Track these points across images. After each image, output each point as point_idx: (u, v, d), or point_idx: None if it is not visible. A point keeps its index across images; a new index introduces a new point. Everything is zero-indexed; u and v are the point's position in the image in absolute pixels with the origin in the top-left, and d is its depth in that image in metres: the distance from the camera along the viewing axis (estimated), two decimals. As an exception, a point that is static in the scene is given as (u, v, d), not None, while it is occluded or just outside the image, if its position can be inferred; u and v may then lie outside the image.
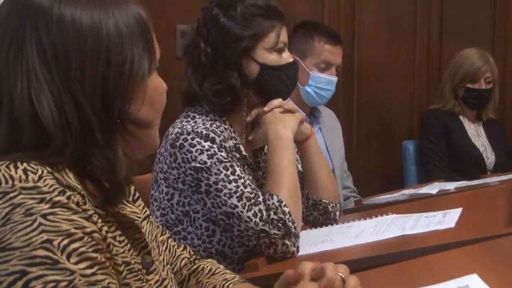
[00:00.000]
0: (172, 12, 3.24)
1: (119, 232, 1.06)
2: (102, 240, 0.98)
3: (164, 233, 1.38)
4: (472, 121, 3.49)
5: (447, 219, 1.68)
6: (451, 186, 2.39)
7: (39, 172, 0.94)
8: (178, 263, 1.40)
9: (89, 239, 0.94)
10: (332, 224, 1.97)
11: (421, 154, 3.52)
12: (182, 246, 1.45)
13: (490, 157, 3.41)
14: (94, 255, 0.93)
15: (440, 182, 2.64)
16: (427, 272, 1.27)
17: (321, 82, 2.83)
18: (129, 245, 1.08)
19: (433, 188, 2.36)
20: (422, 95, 3.91)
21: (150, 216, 1.27)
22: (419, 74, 3.91)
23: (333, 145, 2.99)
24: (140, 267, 1.10)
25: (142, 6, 1.11)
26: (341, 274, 1.08)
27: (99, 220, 1.00)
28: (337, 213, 2.04)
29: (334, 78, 2.86)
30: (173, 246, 1.41)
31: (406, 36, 3.87)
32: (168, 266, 1.31)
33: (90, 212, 0.97)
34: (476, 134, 3.46)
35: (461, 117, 3.45)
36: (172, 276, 1.26)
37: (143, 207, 1.26)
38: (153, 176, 1.86)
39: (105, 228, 1.01)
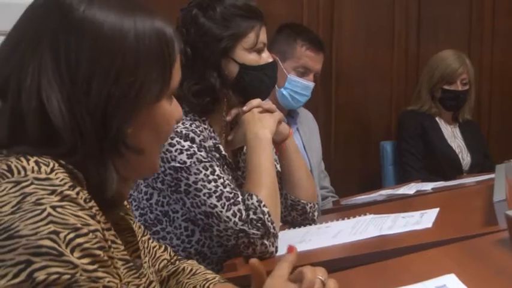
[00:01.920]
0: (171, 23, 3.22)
1: (115, 233, 1.06)
2: (104, 239, 0.98)
3: (145, 234, 1.37)
4: (449, 122, 3.52)
5: (424, 219, 1.70)
6: (428, 186, 2.40)
7: (51, 165, 0.94)
8: (157, 264, 1.40)
9: (93, 236, 0.93)
10: (310, 224, 1.98)
11: (398, 155, 3.54)
12: (163, 247, 1.44)
13: (465, 158, 3.45)
14: (97, 252, 0.93)
15: (417, 182, 2.66)
16: (405, 271, 1.29)
17: (297, 86, 2.84)
18: (123, 247, 1.08)
19: (410, 189, 2.38)
20: (399, 96, 3.93)
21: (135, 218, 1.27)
22: (397, 74, 3.93)
23: (310, 145, 3.01)
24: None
25: (169, 24, 1.09)
26: (320, 277, 1.09)
27: (102, 219, 1.00)
28: (316, 213, 2.05)
29: (311, 84, 2.87)
30: (153, 247, 1.40)
31: (384, 37, 3.89)
32: (152, 268, 1.31)
33: (94, 210, 0.97)
34: (453, 135, 3.49)
35: (437, 119, 3.48)
36: (157, 278, 1.26)
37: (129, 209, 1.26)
38: (131, 176, 1.85)
39: (106, 226, 1.02)
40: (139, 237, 1.24)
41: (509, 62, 4.17)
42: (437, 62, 3.43)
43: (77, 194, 0.94)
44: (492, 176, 2.04)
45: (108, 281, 0.93)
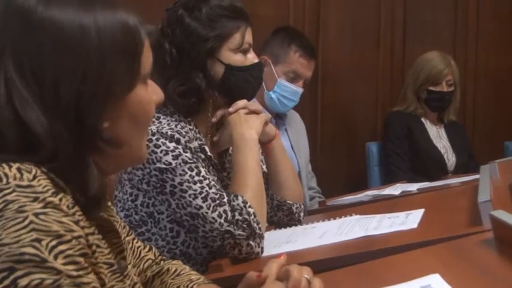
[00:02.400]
0: (137, 13, 3.21)
1: (100, 236, 1.05)
2: (87, 246, 0.97)
3: (130, 234, 1.37)
4: (434, 123, 3.54)
5: (410, 219, 1.70)
6: (413, 187, 2.41)
7: (34, 172, 0.94)
8: (142, 264, 1.39)
9: (76, 243, 0.93)
10: (296, 225, 1.98)
11: (384, 156, 3.55)
12: (147, 247, 1.44)
13: (451, 159, 3.46)
14: (79, 259, 0.92)
15: (402, 183, 2.67)
16: (390, 272, 1.29)
17: (286, 91, 2.85)
18: (108, 249, 1.07)
19: (396, 189, 2.38)
20: (385, 97, 3.95)
21: (119, 219, 1.26)
22: (382, 76, 3.95)
23: (298, 146, 3.01)
24: (118, 271, 1.09)
25: (132, 12, 1.07)
26: (306, 276, 1.09)
27: (86, 223, 1.00)
28: (302, 214, 2.05)
29: (300, 90, 2.89)
30: (138, 247, 1.40)
31: (370, 39, 3.90)
32: (134, 269, 1.31)
33: (78, 216, 0.97)
34: (438, 136, 3.51)
35: (423, 120, 3.49)
36: (139, 279, 1.26)
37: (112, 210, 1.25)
38: (116, 177, 1.85)
39: (90, 231, 1.01)
40: (124, 237, 1.23)
41: (493, 64, 4.19)
42: (423, 64, 3.45)
43: (60, 200, 0.93)
44: (477, 176, 2.05)
45: (93, 287, 0.93)
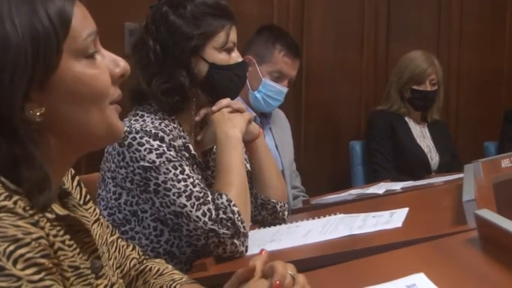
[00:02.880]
0: (120, 10, 3.19)
1: (67, 236, 1.03)
2: (49, 246, 0.95)
3: (114, 233, 1.35)
4: (417, 122, 3.55)
5: (394, 218, 1.70)
6: (397, 186, 2.42)
7: None
8: (128, 263, 1.38)
9: (36, 245, 0.90)
10: (280, 224, 1.98)
11: (367, 155, 3.55)
12: (131, 246, 1.42)
13: (434, 158, 3.47)
14: (41, 260, 0.90)
15: (386, 182, 2.68)
16: (375, 271, 1.29)
17: (271, 90, 2.84)
18: (78, 249, 1.05)
19: (380, 188, 2.39)
20: (369, 96, 3.96)
21: (101, 218, 1.25)
22: (366, 75, 3.96)
23: (283, 145, 3.01)
24: (89, 271, 1.07)
25: None
26: (290, 272, 1.09)
27: (47, 225, 0.97)
28: (286, 212, 2.05)
29: (285, 89, 2.88)
30: (122, 246, 1.38)
31: (354, 38, 3.91)
32: (118, 270, 1.29)
33: (37, 217, 0.94)
34: (421, 135, 3.52)
35: (406, 119, 3.51)
36: (121, 281, 1.24)
37: (94, 209, 1.23)
38: (100, 175, 1.83)
39: (53, 232, 0.98)
40: (105, 238, 1.21)
41: (476, 64, 4.22)
42: (407, 63, 3.46)
43: (15, 203, 0.91)
44: (460, 175, 2.06)
45: None
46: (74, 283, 1.01)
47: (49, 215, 0.99)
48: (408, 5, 4.03)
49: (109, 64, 1.05)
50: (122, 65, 1.07)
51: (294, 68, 2.92)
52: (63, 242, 1.01)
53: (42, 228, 0.95)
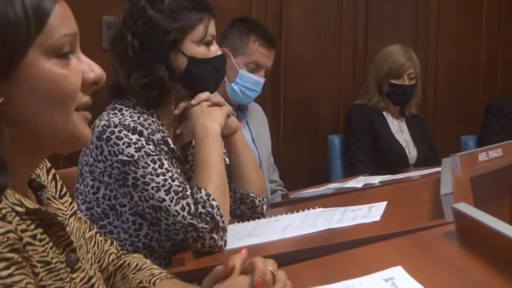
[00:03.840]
0: (98, 4, 3.17)
1: (40, 230, 1.01)
2: (18, 239, 0.93)
3: (92, 228, 1.34)
4: (396, 117, 3.57)
5: (373, 212, 1.71)
6: (375, 180, 2.43)
7: None
8: (107, 258, 1.37)
9: (5, 239, 0.89)
10: (259, 218, 1.98)
11: (346, 149, 3.56)
12: (109, 241, 1.41)
13: (412, 152, 3.49)
14: (10, 255, 0.89)
15: (365, 176, 2.69)
16: (354, 264, 1.30)
17: (248, 82, 2.83)
18: (51, 243, 1.04)
19: (358, 182, 2.40)
20: (347, 90, 3.97)
21: (78, 212, 1.23)
22: (345, 69, 3.97)
23: (259, 139, 3.01)
24: (64, 265, 1.05)
25: None
26: (270, 268, 1.09)
27: (16, 219, 0.96)
28: (265, 207, 2.05)
29: (262, 80, 2.88)
30: (101, 241, 1.37)
31: (333, 32, 3.92)
32: (96, 264, 1.28)
33: (4, 211, 0.93)
34: (399, 130, 3.54)
35: (385, 113, 3.52)
36: (100, 274, 1.23)
37: (70, 203, 1.22)
38: (78, 169, 1.82)
39: (21, 227, 0.96)
40: (81, 232, 1.20)
41: (453, 59, 4.26)
42: (385, 57, 3.47)
43: None
44: (438, 169, 2.07)
45: (26, 283, 0.90)
46: (44, 279, 0.99)
47: (19, 209, 0.97)
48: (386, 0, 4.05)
49: (84, 68, 1.03)
50: (97, 71, 1.04)
51: (269, 58, 2.92)
52: (33, 236, 0.99)
53: (10, 222, 0.93)
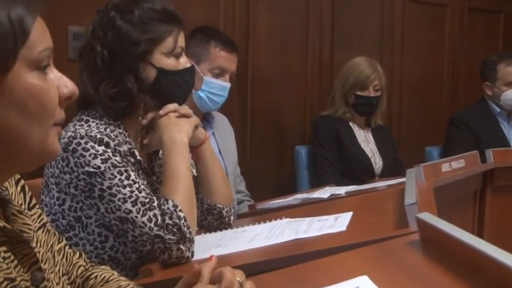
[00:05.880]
0: (64, 13, 3.14)
1: (4, 248, 1.00)
2: None
3: (61, 240, 1.33)
4: (361, 127, 3.60)
5: (339, 222, 1.73)
6: (341, 190, 2.44)
7: None
8: (75, 271, 1.36)
9: None
10: (226, 229, 1.98)
11: (312, 159, 3.58)
12: (78, 253, 1.40)
13: (378, 162, 3.53)
14: None
15: (331, 186, 2.70)
16: (320, 274, 1.30)
17: (214, 87, 2.84)
18: (15, 262, 1.02)
19: (324, 193, 2.41)
20: (314, 102, 4.00)
21: (47, 224, 1.22)
22: (311, 80, 4.00)
23: (226, 150, 3.01)
24: (29, 284, 1.04)
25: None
26: (238, 278, 1.10)
27: None
28: (232, 217, 2.05)
29: (228, 84, 2.88)
30: (70, 253, 1.36)
31: (299, 44, 3.95)
32: (65, 277, 1.27)
33: None
34: (365, 140, 3.57)
35: (351, 124, 3.55)
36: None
37: (39, 215, 1.20)
38: (43, 181, 1.81)
39: None
40: (49, 246, 1.19)
41: (417, 71, 4.33)
42: (351, 69, 3.50)
43: None
44: (403, 180, 2.09)
45: None
46: None
47: None
48: (352, 12, 4.10)
49: (58, 83, 1.03)
50: (70, 86, 1.04)
51: (232, 61, 2.92)
52: None
53: None
